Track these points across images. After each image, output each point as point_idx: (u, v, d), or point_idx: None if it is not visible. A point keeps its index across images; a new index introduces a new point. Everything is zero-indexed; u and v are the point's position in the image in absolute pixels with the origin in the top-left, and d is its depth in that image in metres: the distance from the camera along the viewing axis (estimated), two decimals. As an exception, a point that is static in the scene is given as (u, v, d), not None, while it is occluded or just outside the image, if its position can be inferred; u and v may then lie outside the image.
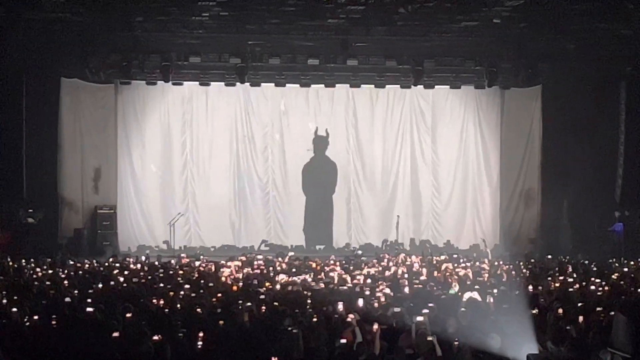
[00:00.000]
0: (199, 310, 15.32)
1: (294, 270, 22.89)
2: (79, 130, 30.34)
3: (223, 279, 21.00)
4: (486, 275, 21.85)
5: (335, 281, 20.23)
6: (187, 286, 18.63)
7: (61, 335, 13.01)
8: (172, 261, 25.25)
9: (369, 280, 20.07)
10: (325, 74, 29.92)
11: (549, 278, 21.10)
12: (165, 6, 23.82)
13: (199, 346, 12.50)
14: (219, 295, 17.30)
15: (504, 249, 29.77)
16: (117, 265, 23.91)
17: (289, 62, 28.89)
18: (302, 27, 25.85)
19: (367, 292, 17.70)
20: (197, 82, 30.42)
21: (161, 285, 19.05)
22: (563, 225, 30.74)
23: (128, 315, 14.38)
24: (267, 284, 19.50)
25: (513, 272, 22.39)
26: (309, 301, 16.52)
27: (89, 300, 16.05)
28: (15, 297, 16.52)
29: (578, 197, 29.91)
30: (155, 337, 12.37)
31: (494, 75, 29.36)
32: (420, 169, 32.40)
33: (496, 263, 24.66)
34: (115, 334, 12.64)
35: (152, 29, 26.12)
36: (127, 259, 25.70)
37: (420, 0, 22.89)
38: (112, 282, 19.57)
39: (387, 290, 18.07)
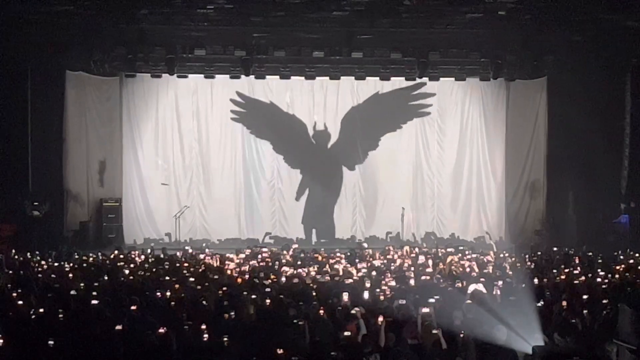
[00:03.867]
0: (204, 302, 15.35)
1: (299, 262, 22.91)
2: (84, 123, 30.36)
3: (228, 271, 21.03)
4: (491, 267, 21.85)
5: (341, 273, 20.25)
6: (192, 279, 18.66)
7: (67, 328, 13.04)
8: (178, 254, 25.28)
9: (374, 273, 20.07)
10: (330, 67, 29.86)
11: (555, 270, 21.09)
12: (170, -1, 23.85)
13: (205, 338, 12.52)
14: (224, 288, 17.32)
15: (510, 241, 29.75)
16: (122, 257, 23.97)
17: (293, 55, 28.85)
18: (307, 19, 25.83)
19: (373, 285, 17.70)
20: (202, 75, 30.38)
21: (167, 278, 19.07)
22: (569, 217, 30.71)
23: (134, 308, 14.41)
24: (272, 276, 19.51)
25: (518, 264, 22.38)
26: (314, 294, 16.54)
27: (95, 293, 16.09)
28: (21, 290, 16.57)
29: (583, 189, 29.87)
30: (161, 330, 12.40)
31: (499, 67, 29.32)
32: (426, 161, 32.37)
33: (502, 255, 24.65)
34: (119, 327, 12.67)
35: (157, 21, 26.13)
36: (133, 252, 25.74)
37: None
38: (118, 275, 19.61)
39: (393, 283, 18.09)
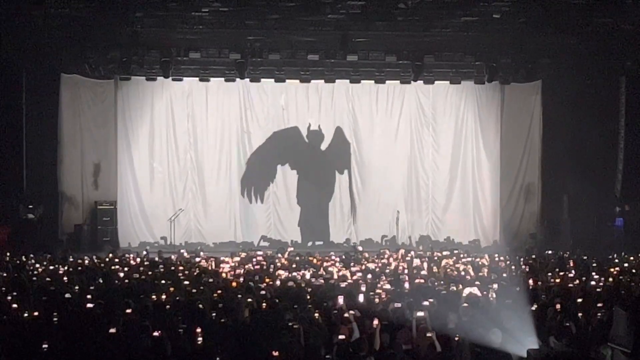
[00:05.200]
0: (199, 306, 15.31)
1: (294, 266, 22.88)
2: (79, 125, 30.36)
3: (223, 275, 20.99)
4: (486, 270, 21.84)
5: (336, 277, 20.22)
6: (187, 282, 18.62)
7: (62, 331, 13.00)
8: (173, 257, 25.25)
9: (369, 276, 20.05)
10: (325, 70, 29.92)
11: (549, 273, 21.09)
12: (165, 1, 23.83)
13: (199, 342, 12.49)
14: (219, 291, 17.29)
15: (504, 244, 29.76)
16: (117, 260, 23.93)
17: (288, 58, 28.86)
18: (302, 22, 25.82)
19: (368, 288, 17.68)
20: (197, 78, 30.40)
21: (162, 281, 19.02)
22: (563, 220, 30.76)
23: (128, 311, 14.38)
24: (267, 279, 19.49)
25: (513, 267, 22.38)
26: (309, 297, 16.52)
27: (90, 296, 16.05)
28: (16, 293, 16.53)
29: (578, 192, 29.93)
30: (156, 333, 12.37)
31: (494, 71, 29.36)
32: (421, 164, 32.38)
33: (496, 258, 24.65)
34: (112, 330, 12.64)
35: (151, 24, 26.09)
36: (127, 254, 25.69)
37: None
38: (112, 278, 19.57)
39: (388, 286, 18.07)
